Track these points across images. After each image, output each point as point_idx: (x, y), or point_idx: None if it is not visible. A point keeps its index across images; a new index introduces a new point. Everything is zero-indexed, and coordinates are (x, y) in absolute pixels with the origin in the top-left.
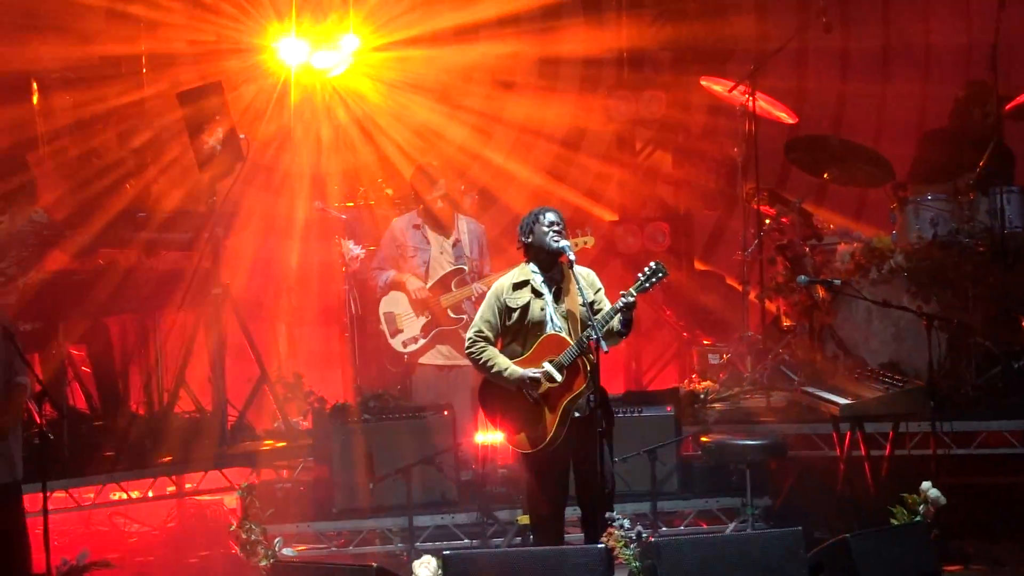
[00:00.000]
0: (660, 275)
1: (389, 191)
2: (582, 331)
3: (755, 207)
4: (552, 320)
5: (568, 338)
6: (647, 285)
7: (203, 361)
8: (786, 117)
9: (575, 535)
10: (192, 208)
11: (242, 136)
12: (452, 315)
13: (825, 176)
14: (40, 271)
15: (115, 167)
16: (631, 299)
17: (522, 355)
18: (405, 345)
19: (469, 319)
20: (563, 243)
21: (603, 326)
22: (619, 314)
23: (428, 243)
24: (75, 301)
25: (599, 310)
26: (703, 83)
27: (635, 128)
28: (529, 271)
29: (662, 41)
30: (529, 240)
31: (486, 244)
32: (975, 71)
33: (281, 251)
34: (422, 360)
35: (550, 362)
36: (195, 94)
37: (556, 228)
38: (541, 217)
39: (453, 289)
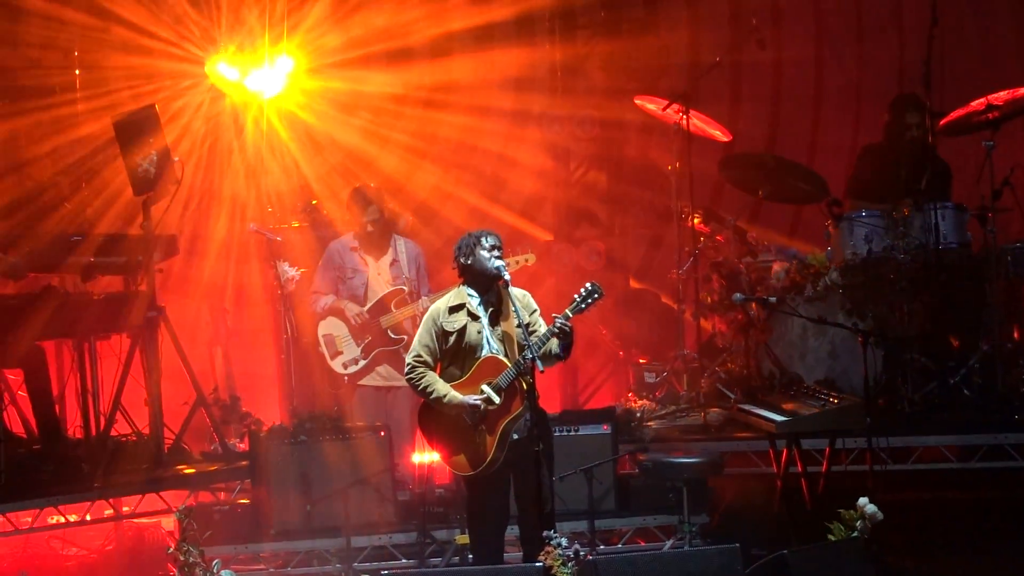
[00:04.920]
0: (596, 296)
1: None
2: (519, 353)
3: (690, 225)
4: (489, 343)
5: (505, 360)
6: (583, 306)
7: (139, 384)
8: (720, 135)
9: (513, 554)
10: (127, 232)
11: (176, 159)
12: (392, 335)
13: (760, 194)
14: None
15: (48, 190)
16: (567, 320)
17: (460, 378)
18: (346, 367)
19: (409, 340)
20: (499, 263)
21: (540, 347)
22: (556, 337)
23: (365, 265)
24: (10, 326)
25: (534, 332)
26: (637, 102)
27: (569, 147)
28: (465, 294)
29: (595, 60)
30: (468, 262)
31: (424, 264)
32: (908, 88)
33: (217, 273)
34: (361, 382)
35: (488, 385)
36: (129, 117)
37: (497, 252)
38: (483, 240)
39: (393, 310)
